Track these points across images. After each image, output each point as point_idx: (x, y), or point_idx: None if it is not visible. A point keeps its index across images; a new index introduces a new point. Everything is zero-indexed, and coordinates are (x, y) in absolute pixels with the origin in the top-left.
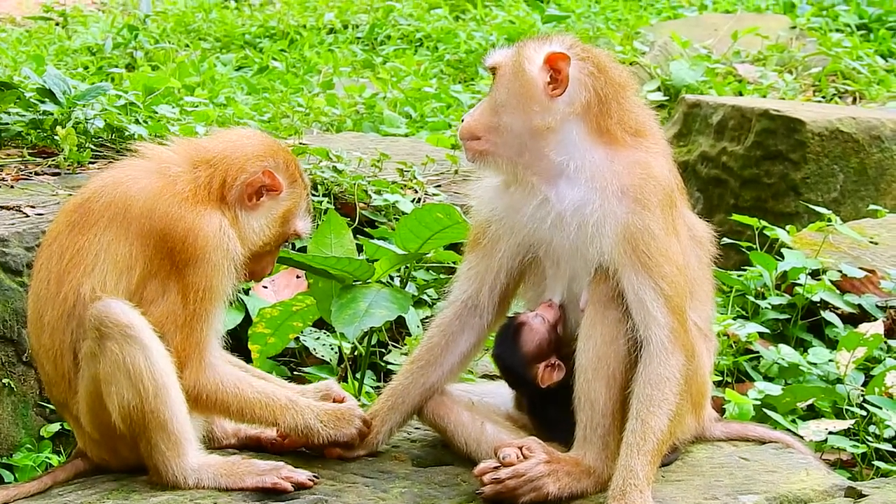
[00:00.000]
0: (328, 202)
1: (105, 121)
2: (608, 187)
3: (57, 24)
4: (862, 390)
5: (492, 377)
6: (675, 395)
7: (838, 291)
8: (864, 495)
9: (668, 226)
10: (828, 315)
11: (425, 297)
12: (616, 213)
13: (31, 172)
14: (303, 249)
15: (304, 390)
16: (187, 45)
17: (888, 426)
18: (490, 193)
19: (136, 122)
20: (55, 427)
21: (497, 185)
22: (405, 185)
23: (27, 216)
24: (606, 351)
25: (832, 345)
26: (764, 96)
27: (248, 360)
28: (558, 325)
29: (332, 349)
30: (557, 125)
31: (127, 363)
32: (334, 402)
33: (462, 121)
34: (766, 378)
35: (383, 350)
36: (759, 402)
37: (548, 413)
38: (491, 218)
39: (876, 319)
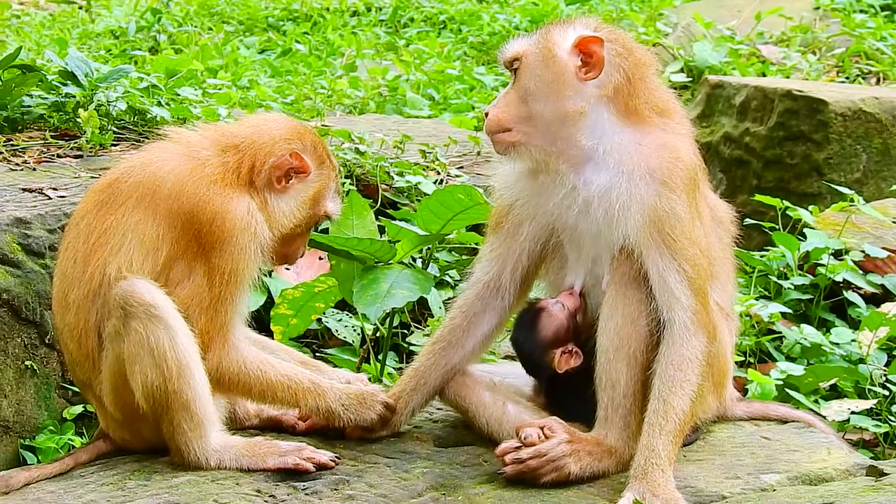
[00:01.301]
0: (350, 184)
1: (127, 103)
2: (636, 170)
3: (80, 8)
4: (884, 370)
5: (514, 358)
6: (697, 376)
7: (861, 271)
8: (886, 474)
9: (692, 208)
10: (850, 295)
11: (447, 278)
12: (643, 195)
13: (53, 155)
14: (325, 231)
15: (332, 374)
16: (210, 29)
17: None
18: (514, 178)
19: (159, 104)
20: (78, 409)
21: (521, 169)
22: (427, 167)
23: (49, 199)
24: (628, 331)
25: (855, 325)
26: (787, 77)
27: None
28: (578, 313)
29: (354, 330)
30: (589, 109)
31: (151, 342)
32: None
33: (486, 115)
34: (789, 358)
35: (405, 331)
36: (781, 382)
37: (564, 398)
38: (514, 202)
39: None
